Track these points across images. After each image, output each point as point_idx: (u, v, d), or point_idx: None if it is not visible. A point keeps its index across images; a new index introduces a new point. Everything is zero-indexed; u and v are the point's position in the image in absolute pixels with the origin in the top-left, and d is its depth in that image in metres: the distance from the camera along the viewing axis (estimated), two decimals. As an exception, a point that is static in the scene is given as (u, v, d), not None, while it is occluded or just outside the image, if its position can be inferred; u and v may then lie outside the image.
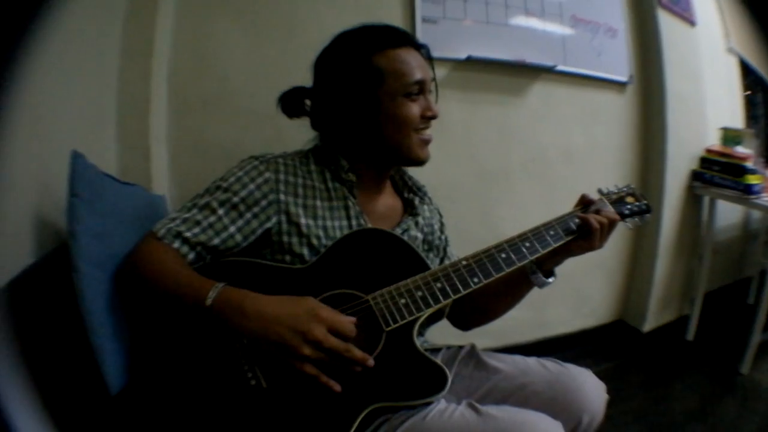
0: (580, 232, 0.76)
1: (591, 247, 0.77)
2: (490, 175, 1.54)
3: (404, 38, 0.78)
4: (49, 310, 0.67)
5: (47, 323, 0.66)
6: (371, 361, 0.62)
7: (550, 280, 0.81)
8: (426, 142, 0.79)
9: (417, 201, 0.87)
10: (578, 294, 1.71)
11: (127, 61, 1.16)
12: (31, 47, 0.62)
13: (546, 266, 0.80)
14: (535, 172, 1.60)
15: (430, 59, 0.81)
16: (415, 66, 0.76)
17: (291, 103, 0.84)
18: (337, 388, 0.61)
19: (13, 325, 0.58)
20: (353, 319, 0.63)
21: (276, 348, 0.59)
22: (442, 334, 0.90)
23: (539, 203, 1.56)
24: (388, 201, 0.86)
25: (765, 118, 2.68)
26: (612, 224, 0.78)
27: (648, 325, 1.81)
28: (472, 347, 0.87)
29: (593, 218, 0.75)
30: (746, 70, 2.45)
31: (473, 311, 0.89)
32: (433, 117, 0.78)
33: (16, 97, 0.63)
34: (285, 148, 0.82)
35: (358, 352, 0.61)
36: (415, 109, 0.76)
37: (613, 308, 1.86)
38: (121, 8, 1.15)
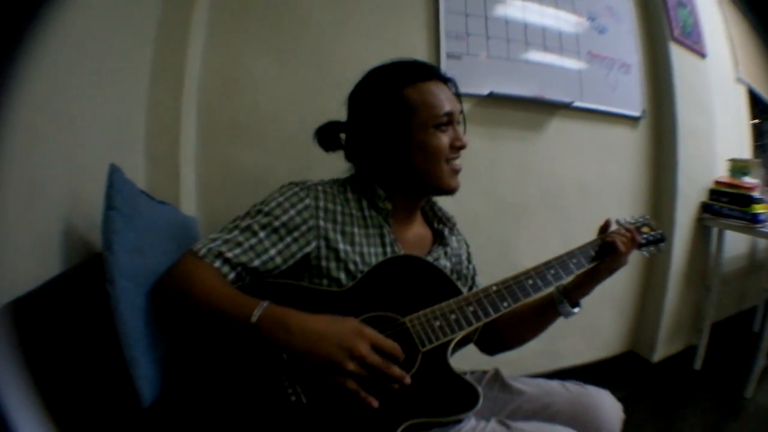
0: (606, 250, 0.85)
1: (617, 264, 0.86)
2: (509, 207, 1.65)
3: (433, 72, 0.86)
4: (77, 321, 0.69)
5: (74, 333, 0.68)
6: (408, 379, 0.68)
7: (576, 310, 0.88)
8: (456, 172, 0.86)
9: (446, 231, 0.94)
10: (591, 326, 1.82)
11: (157, 83, 1.23)
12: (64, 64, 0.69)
13: (573, 297, 0.88)
14: (551, 205, 1.71)
15: (457, 93, 0.89)
16: (443, 98, 0.83)
17: (326, 136, 0.91)
18: (375, 404, 0.66)
19: (36, 333, 0.60)
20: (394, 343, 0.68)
21: (321, 363, 0.64)
22: (464, 360, 0.97)
23: (555, 235, 1.66)
24: (419, 230, 0.93)
25: (772, 146, 2.84)
26: (633, 238, 0.88)
27: (657, 356, 1.92)
28: (496, 371, 0.95)
29: (616, 236, 0.86)
30: (754, 99, 2.62)
31: (502, 337, 0.96)
32: (462, 147, 0.85)
33: (50, 103, 0.70)
34: (313, 177, 0.89)
35: (397, 370, 0.67)
36: (444, 139, 0.83)
37: (624, 340, 1.97)
38: (151, 31, 1.22)
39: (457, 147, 0.84)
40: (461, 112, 0.88)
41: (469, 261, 1.01)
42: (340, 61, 1.41)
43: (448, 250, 0.94)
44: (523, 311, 0.92)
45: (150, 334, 0.69)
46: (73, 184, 0.83)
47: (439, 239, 0.93)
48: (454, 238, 0.97)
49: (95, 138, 0.93)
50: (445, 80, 0.87)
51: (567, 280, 0.84)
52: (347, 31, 1.45)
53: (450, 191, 0.86)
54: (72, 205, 0.81)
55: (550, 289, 0.84)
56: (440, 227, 0.94)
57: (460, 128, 0.87)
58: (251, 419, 0.66)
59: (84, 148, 0.87)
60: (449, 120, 0.83)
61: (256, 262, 0.75)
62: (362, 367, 0.65)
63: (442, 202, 0.97)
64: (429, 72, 0.86)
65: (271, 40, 1.37)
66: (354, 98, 0.88)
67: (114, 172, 0.73)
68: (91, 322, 0.67)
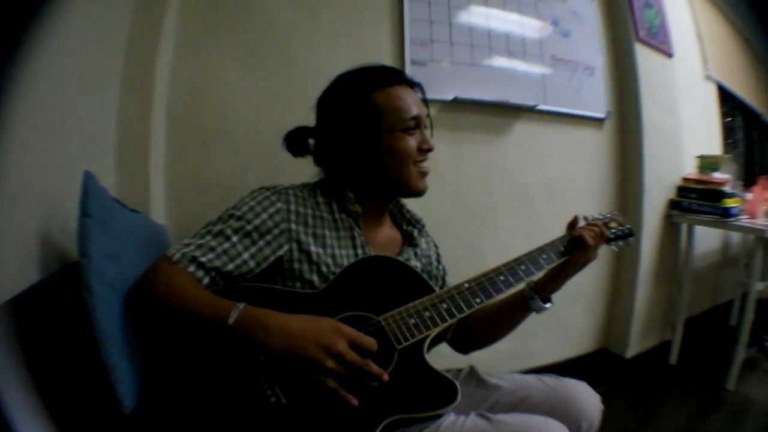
0: (575, 245, 0.88)
1: (587, 258, 0.88)
2: (475, 210, 1.69)
3: (400, 77, 0.89)
4: (54, 329, 0.69)
5: (52, 341, 0.68)
6: (386, 376, 0.69)
7: (547, 305, 0.90)
8: (424, 174, 0.89)
9: (416, 233, 0.97)
10: (562, 325, 1.87)
11: (127, 92, 1.24)
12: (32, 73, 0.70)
13: (544, 292, 0.90)
14: (517, 207, 1.76)
15: (424, 98, 0.91)
16: (411, 102, 0.86)
17: (295, 142, 0.94)
18: (355, 401, 0.67)
19: (16, 342, 0.60)
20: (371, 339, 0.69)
21: (300, 362, 0.65)
22: (438, 360, 0.99)
23: (522, 237, 1.71)
24: (388, 232, 0.96)
25: (745, 141, 2.92)
26: (602, 233, 0.90)
27: (630, 352, 1.98)
28: (472, 368, 0.97)
29: (584, 231, 0.89)
30: (725, 96, 2.69)
31: (475, 334, 0.98)
32: (429, 150, 0.88)
33: (25, 118, 0.70)
34: (282, 182, 0.89)
35: (375, 367, 0.67)
36: (412, 142, 0.85)
37: (596, 337, 2.02)
38: (122, 40, 1.24)
39: (424, 150, 0.87)
40: (428, 116, 0.90)
41: (438, 261, 1.04)
42: (307, 68, 1.45)
43: (418, 251, 0.96)
44: (495, 308, 0.95)
45: (128, 340, 0.70)
46: (48, 192, 0.83)
47: (408, 240, 0.96)
48: (423, 239, 1.00)
49: (68, 147, 0.94)
50: (412, 85, 0.90)
51: (537, 275, 0.87)
52: (314, 38, 1.48)
53: (418, 193, 0.89)
54: (48, 213, 0.82)
55: (522, 285, 0.87)
56: (409, 229, 0.97)
57: (427, 132, 0.90)
58: (232, 422, 0.67)
59: (58, 157, 0.88)
60: (416, 124, 0.86)
61: (230, 266, 0.76)
62: (341, 364, 0.66)
63: (410, 204, 1.00)
64: (396, 77, 0.89)
65: (239, 48, 1.40)
66: (322, 103, 0.91)
67: (89, 179, 0.74)
68: (70, 330, 0.68)
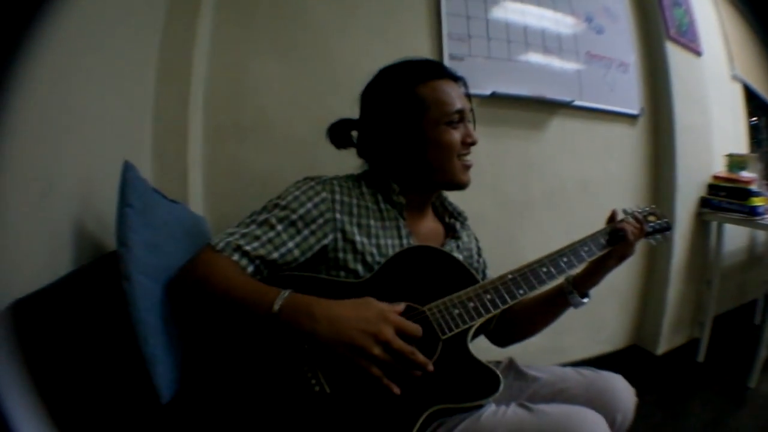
0: (615, 239, 0.89)
1: (627, 252, 0.90)
2: (513, 204, 1.71)
3: (443, 71, 0.90)
4: (89, 319, 0.68)
5: (86, 331, 0.68)
6: (431, 366, 0.69)
7: (585, 300, 0.92)
8: (467, 167, 0.90)
9: (458, 226, 0.98)
10: (595, 321, 1.88)
11: (163, 84, 1.25)
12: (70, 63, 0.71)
13: (582, 287, 0.92)
14: (554, 202, 1.78)
15: (467, 92, 0.92)
16: (454, 96, 0.87)
17: (338, 134, 0.95)
18: (397, 390, 0.67)
19: (46, 331, 0.60)
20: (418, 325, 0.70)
21: (346, 349, 0.65)
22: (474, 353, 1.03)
23: (559, 232, 1.70)
24: (431, 224, 0.97)
25: (768, 142, 2.94)
26: (642, 227, 0.92)
27: (661, 349, 1.99)
28: (511, 360, 0.99)
29: (625, 224, 0.91)
30: (750, 96, 2.71)
31: (514, 328, 1.00)
32: (473, 143, 0.89)
33: (62, 103, 0.72)
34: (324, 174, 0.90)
35: (421, 356, 0.68)
36: (456, 135, 0.86)
37: (628, 334, 2.04)
38: (158, 32, 1.26)
39: (468, 143, 0.88)
40: (471, 110, 0.92)
41: (479, 255, 1.05)
42: (344, 62, 1.47)
43: (460, 243, 0.97)
44: (535, 302, 0.96)
45: (167, 329, 0.70)
46: (83, 182, 0.84)
47: (451, 233, 0.97)
48: (465, 232, 1.01)
49: (105, 138, 0.95)
50: (456, 79, 0.91)
51: (579, 267, 0.87)
52: (351, 33, 1.50)
53: (462, 186, 0.90)
54: (83, 203, 0.82)
55: (564, 277, 0.88)
56: (451, 221, 0.99)
57: (470, 126, 0.91)
58: (274, 411, 0.67)
59: (94, 148, 0.89)
60: (460, 117, 0.87)
61: (275, 255, 0.76)
62: (387, 352, 0.66)
63: (449, 197, 1.01)
64: (440, 71, 0.90)
65: (277, 41, 1.42)
66: (366, 96, 0.92)
67: (128, 169, 0.74)
68: (103, 319, 0.68)
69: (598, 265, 0.90)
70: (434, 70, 0.90)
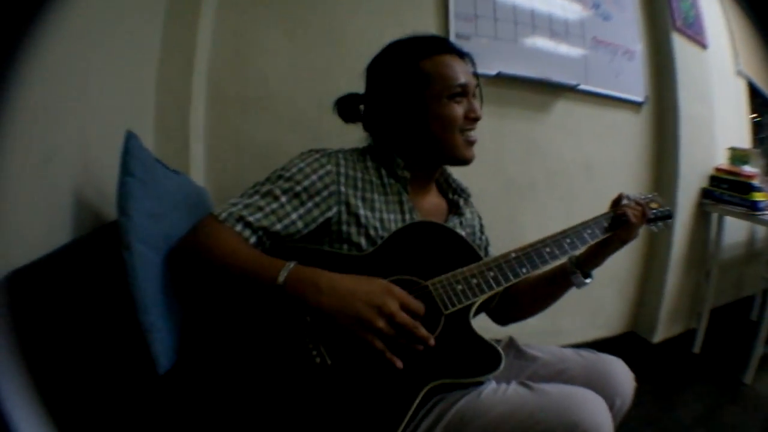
0: (618, 223, 0.90)
1: (629, 236, 0.90)
2: (515, 184, 1.73)
3: (449, 46, 0.90)
4: (88, 288, 0.68)
5: (86, 300, 0.67)
6: (432, 340, 0.69)
7: (588, 280, 0.92)
8: (470, 143, 0.89)
9: (462, 202, 0.98)
10: (593, 305, 1.90)
11: (168, 54, 1.26)
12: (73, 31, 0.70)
13: (585, 267, 0.92)
14: (556, 184, 1.79)
15: (474, 69, 0.92)
16: (459, 71, 0.86)
17: (346, 107, 0.95)
18: (399, 364, 0.67)
19: (46, 300, 0.60)
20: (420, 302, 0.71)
21: (351, 321, 0.65)
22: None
23: (560, 214, 1.74)
24: (434, 200, 0.97)
25: (771, 139, 2.95)
26: (644, 212, 0.92)
27: (657, 337, 2.01)
28: (511, 339, 0.99)
29: (628, 209, 0.91)
30: (754, 92, 2.72)
31: (515, 306, 1.00)
32: (477, 118, 0.88)
33: (65, 70, 0.71)
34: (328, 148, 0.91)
35: (423, 330, 0.69)
36: (459, 110, 0.86)
37: (625, 320, 2.05)
38: (164, 2, 1.25)
39: (471, 118, 0.88)
40: (477, 86, 0.91)
41: (482, 232, 1.05)
42: (351, 37, 1.48)
43: (463, 220, 0.98)
44: (537, 281, 0.96)
45: (166, 299, 0.69)
46: (85, 151, 0.83)
47: (454, 209, 0.98)
48: (468, 209, 1.01)
49: (107, 107, 0.95)
50: (462, 55, 0.91)
51: (581, 249, 0.88)
52: (358, 8, 1.51)
53: (465, 161, 0.90)
54: (83, 172, 0.82)
55: (566, 258, 0.88)
56: (455, 198, 0.98)
57: (476, 101, 0.90)
58: (274, 382, 0.67)
59: (96, 116, 0.88)
60: (463, 91, 0.87)
61: (278, 227, 0.76)
62: (390, 325, 0.66)
63: (453, 174, 1.01)
64: (445, 46, 0.90)
65: (283, 14, 1.42)
66: (372, 70, 0.93)
67: (131, 138, 0.74)
68: (102, 289, 0.68)
69: (601, 247, 0.91)
70: (439, 45, 0.90)
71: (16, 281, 0.57)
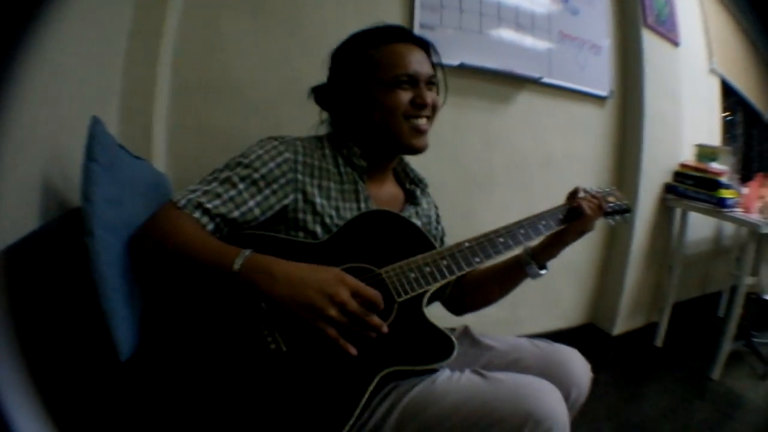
0: (574, 215, 0.91)
1: (584, 228, 0.92)
2: (473, 177, 1.74)
3: (404, 35, 0.90)
4: (53, 276, 0.68)
5: (50, 288, 0.67)
6: (386, 328, 0.71)
7: (543, 272, 0.94)
8: (417, 130, 0.87)
9: (418, 192, 0.99)
10: (551, 296, 1.93)
11: (135, 39, 1.25)
12: (41, 16, 0.65)
13: (540, 258, 0.93)
14: (516, 177, 1.81)
15: (435, 59, 0.93)
16: (410, 60, 0.86)
17: (318, 96, 0.96)
18: (353, 351, 0.69)
19: (13, 289, 0.59)
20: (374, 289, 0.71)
21: (303, 309, 0.67)
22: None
23: (519, 207, 1.70)
24: (391, 189, 0.98)
25: (744, 137, 2.98)
26: (600, 205, 0.94)
27: (617, 329, 2.04)
28: (466, 327, 1.00)
29: (583, 201, 0.92)
30: (727, 91, 2.75)
31: (470, 296, 1.01)
32: (422, 104, 0.86)
33: (30, 62, 0.67)
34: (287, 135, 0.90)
35: (376, 318, 0.70)
36: (404, 97, 0.85)
37: (584, 312, 2.08)
38: None
39: (417, 104, 0.86)
40: (434, 75, 0.91)
41: (437, 222, 1.07)
42: (314, 25, 1.48)
43: (419, 210, 0.99)
44: (492, 271, 0.98)
45: (128, 286, 0.70)
46: (51, 137, 0.83)
47: (410, 199, 0.98)
48: (425, 199, 1.03)
49: (73, 92, 0.94)
50: (421, 44, 0.91)
51: (536, 240, 0.89)
52: (324, -5, 1.51)
53: (412, 149, 0.89)
54: (51, 158, 0.81)
55: (519, 249, 0.90)
56: (412, 187, 0.99)
57: (432, 92, 0.90)
58: (231, 368, 0.68)
59: (62, 100, 0.88)
60: (410, 80, 0.86)
61: (235, 213, 0.77)
62: (343, 313, 0.68)
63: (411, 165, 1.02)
64: (400, 34, 0.90)
65: (248, 2, 1.42)
66: (331, 58, 0.94)
67: (96, 123, 0.74)
68: (66, 276, 0.68)
69: (556, 239, 0.92)
70: (393, 34, 0.90)
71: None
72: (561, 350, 0.91)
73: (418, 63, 0.87)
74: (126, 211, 0.76)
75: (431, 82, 0.90)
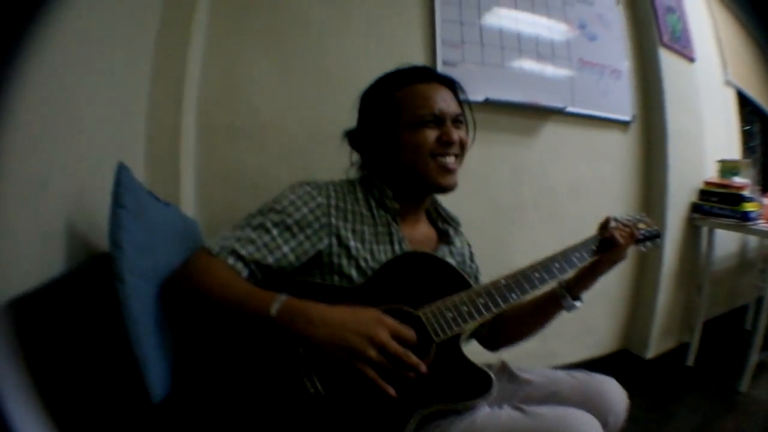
0: (606, 245, 0.92)
1: (618, 258, 0.92)
2: (503, 210, 1.75)
3: (428, 75, 0.92)
4: (81, 320, 0.69)
5: (79, 332, 0.68)
6: (424, 367, 0.71)
7: (578, 304, 0.94)
8: (445, 168, 0.88)
9: (451, 231, 1.00)
10: (584, 325, 1.91)
11: (157, 84, 1.26)
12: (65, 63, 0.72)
13: (575, 291, 0.93)
14: (545, 207, 1.81)
15: (461, 97, 0.94)
16: (436, 99, 0.88)
17: (350, 138, 0.98)
18: (392, 391, 0.69)
19: (38, 332, 0.60)
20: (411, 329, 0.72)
21: (343, 352, 0.67)
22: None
23: (549, 237, 1.75)
24: (424, 230, 0.98)
25: (762, 147, 2.97)
26: (632, 233, 0.94)
27: (650, 353, 2.03)
28: (503, 363, 1.00)
29: (615, 231, 0.93)
30: (743, 101, 2.74)
31: (506, 332, 1.02)
32: (449, 142, 0.87)
33: (56, 100, 0.72)
34: (315, 179, 0.92)
35: (414, 358, 0.70)
36: (430, 135, 0.87)
37: (618, 338, 2.07)
38: (153, 32, 1.27)
39: (443, 141, 0.87)
40: (461, 114, 0.92)
41: (471, 260, 1.07)
42: (339, 66, 1.49)
43: (453, 249, 0.99)
44: (527, 306, 0.98)
45: (160, 331, 0.71)
46: (76, 182, 0.84)
47: (444, 238, 0.99)
48: (458, 238, 1.03)
49: (98, 137, 0.95)
50: (445, 83, 0.93)
51: (570, 273, 0.90)
52: (345, 37, 1.52)
53: (440, 187, 0.90)
54: (75, 203, 0.83)
55: (555, 282, 0.90)
56: (445, 227, 1.00)
57: (460, 130, 0.91)
58: (268, 411, 0.68)
59: (87, 146, 0.90)
60: (436, 119, 0.87)
61: (270, 260, 0.78)
62: (382, 354, 0.68)
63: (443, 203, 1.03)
64: (424, 74, 0.92)
65: (271, 44, 1.44)
66: (360, 101, 0.96)
67: (122, 170, 0.75)
68: (95, 321, 0.69)
69: (589, 271, 0.93)
70: (417, 74, 0.92)
71: (12, 311, 0.58)
72: (597, 379, 0.92)
73: (443, 102, 0.89)
74: (156, 257, 0.76)
75: (458, 120, 0.91)
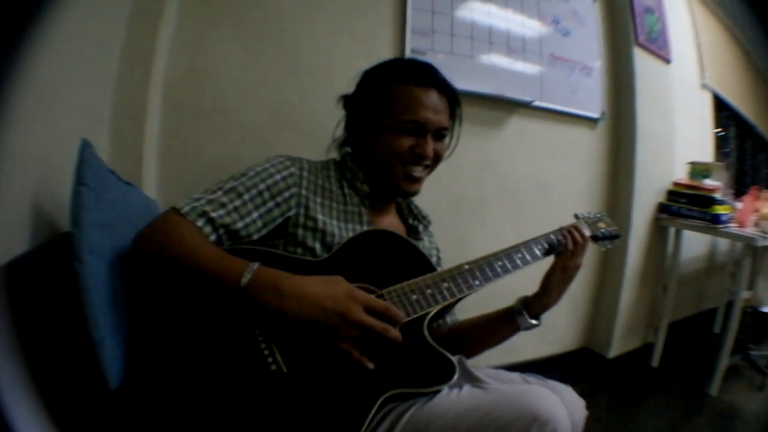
0: (561, 248, 0.92)
1: (567, 265, 0.91)
2: (466, 202, 1.76)
3: (429, 79, 0.89)
4: (40, 302, 0.67)
5: (36, 315, 0.66)
6: (399, 335, 0.70)
7: (534, 322, 0.93)
8: (410, 177, 0.89)
9: (421, 228, 1.01)
10: (546, 322, 1.89)
11: (126, 66, 1.25)
12: (35, 39, 0.67)
13: (534, 308, 0.93)
14: (508, 201, 1.83)
15: (457, 109, 0.94)
16: (424, 107, 0.86)
17: (345, 103, 0.97)
18: (371, 365, 0.69)
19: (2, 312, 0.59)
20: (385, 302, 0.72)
21: (315, 327, 0.66)
22: None
23: (511, 232, 1.76)
24: (393, 221, 0.99)
25: (737, 152, 3.04)
26: (585, 240, 0.93)
27: (613, 352, 2.07)
28: (459, 358, 0.96)
29: (567, 233, 0.93)
30: (720, 106, 2.80)
31: (460, 344, 0.99)
32: (422, 156, 0.88)
33: (23, 83, 0.67)
34: None
35: (394, 331, 0.69)
36: (405, 142, 0.87)
37: (579, 336, 2.10)
38: (125, 13, 1.26)
39: (416, 154, 0.88)
40: (445, 129, 0.91)
41: (438, 265, 1.05)
42: (307, 52, 1.49)
43: (421, 245, 0.99)
44: (483, 321, 0.99)
45: (117, 313, 0.69)
46: (40, 159, 0.83)
47: (413, 234, 1.00)
48: (427, 237, 1.04)
49: (63, 115, 0.94)
50: (445, 92, 0.91)
51: (533, 263, 0.90)
52: (315, 22, 1.52)
53: (400, 191, 0.92)
54: (40, 181, 0.81)
55: (517, 272, 0.89)
56: (414, 223, 1.01)
57: (440, 142, 0.91)
58: (228, 390, 0.66)
59: (53, 123, 0.88)
60: (418, 127, 0.87)
61: (239, 224, 0.77)
62: (357, 329, 0.67)
63: None
64: (426, 78, 0.89)
65: (240, 28, 1.43)
66: (362, 75, 0.96)
67: (86, 147, 0.73)
68: (57, 302, 0.67)
69: (548, 281, 0.93)
70: (419, 74, 0.90)
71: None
72: (554, 387, 0.90)
73: (432, 112, 0.87)
74: (117, 236, 0.75)
75: (441, 134, 0.91)
